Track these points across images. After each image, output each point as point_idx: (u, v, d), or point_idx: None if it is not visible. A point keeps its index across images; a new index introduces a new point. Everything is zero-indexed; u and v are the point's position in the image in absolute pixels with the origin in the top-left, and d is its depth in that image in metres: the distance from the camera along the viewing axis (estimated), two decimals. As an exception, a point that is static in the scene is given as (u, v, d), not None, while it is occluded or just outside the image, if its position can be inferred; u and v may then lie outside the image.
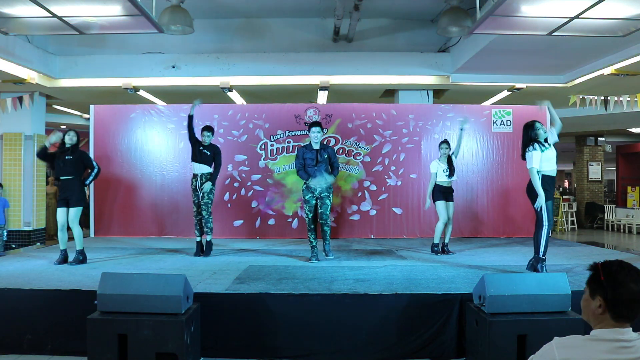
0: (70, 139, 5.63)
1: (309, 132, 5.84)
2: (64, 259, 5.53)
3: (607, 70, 7.25)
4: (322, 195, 5.75)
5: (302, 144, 6.07)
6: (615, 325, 1.54)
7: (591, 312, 1.60)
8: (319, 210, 5.80)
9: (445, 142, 6.36)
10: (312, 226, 5.88)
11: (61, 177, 5.60)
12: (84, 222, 6.23)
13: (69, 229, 5.61)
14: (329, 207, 5.81)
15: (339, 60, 8.10)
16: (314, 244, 5.83)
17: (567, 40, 6.05)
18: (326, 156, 5.81)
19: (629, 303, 1.53)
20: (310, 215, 5.84)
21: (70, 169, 5.56)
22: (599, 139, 15.00)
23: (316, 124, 5.86)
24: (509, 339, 3.38)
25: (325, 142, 6.23)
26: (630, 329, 1.55)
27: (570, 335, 1.59)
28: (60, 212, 5.56)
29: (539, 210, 4.77)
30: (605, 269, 1.57)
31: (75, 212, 5.54)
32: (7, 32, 5.43)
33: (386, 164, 8.22)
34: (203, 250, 6.19)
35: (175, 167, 8.19)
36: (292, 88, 8.69)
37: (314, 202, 5.79)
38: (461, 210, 8.11)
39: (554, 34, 5.30)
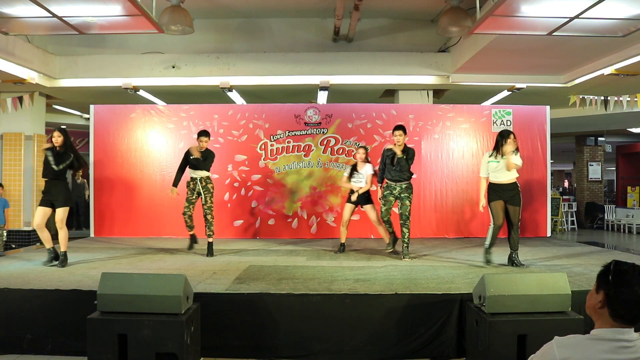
0: (55, 139, 5.45)
1: (393, 134, 5.91)
2: (53, 257, 5.52)
3: (607, 70, 7.25)
4: (401, 195, 5.87)
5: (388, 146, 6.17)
6: (614, 325, 1.54)
7: (592, 306, 1.61)
8: (399, 211, 5.88)
9: (362, 147, 6.50)
10: (386, 219, 6.03)
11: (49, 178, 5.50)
12: (84, 223, 6.24)
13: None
14: (409, 207, 5.87)
15: (339, 60, 8.10)
16: (391, 230, 6.14)
17: (567, 40, 6.05)
18: (405, 158, 5.78)
19: (628, 304, 1.53)
20: (383, 209, 5.97)
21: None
22: (599, 139, 15.00)
23: (399, 127, 5.86)
24: (509, 339, 3.38)
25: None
26: (632, 329, 1.55)
27: (570, 335, 1.60)
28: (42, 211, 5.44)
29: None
30: (616, 266, 1.58)
31: (63, 212, 5.44)
32: (7, 32, 5.44)
33: (386, 164, 8.21)
34: (196, 241, 6.39)
35: (175, 167, 8.14)
36: (292, 88, 8.69)
37: (392, 199, 5.90)
38: (461, 210, 8.11)
39: (554, 34, 5.31)
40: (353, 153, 6.66)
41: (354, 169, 6.37)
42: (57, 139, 5.41)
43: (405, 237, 5.90)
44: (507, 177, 5.36)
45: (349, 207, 6.34)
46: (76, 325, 3.77)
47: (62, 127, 5.71)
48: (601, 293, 1.57)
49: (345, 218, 6.38)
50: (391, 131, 6.01)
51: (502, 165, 5.36)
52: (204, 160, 6.17)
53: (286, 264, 5.56)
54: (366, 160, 6.34)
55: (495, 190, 5.41)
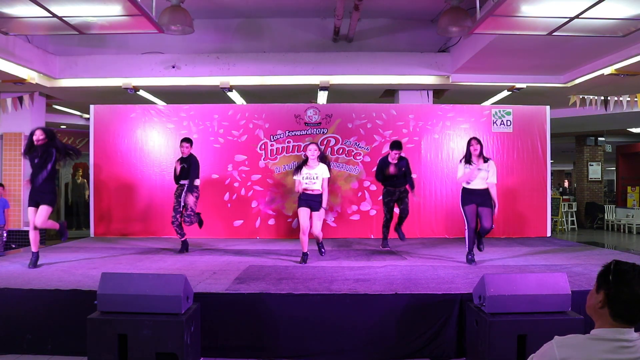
0: (36, 137, 5.30)
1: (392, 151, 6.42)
2: (37, 261, 5.37)
3: (607, 70, 7.25)
4: (401, 197, 6.55)
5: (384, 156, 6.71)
6: (615, 325, 1.54)
7: (592, 306, 1.61)
8: (401, 207, 6.57)
9: (313, 143, 5.89)
10: (388, 223, 6.71)
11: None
12: (84, 223, 6.22)
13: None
14: (408, 204, 6.64)
15: (339, 60, 8.09)
16: (386, 236, 6.80)
17: (567, 40, 6.05)
18: (403, 169, 6.44)
19: (628, 304, 1.52)
20: (388, 216, 6.62)
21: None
22: (599, 139, 15.00)
23: (398, 145, 6.40)
24: (509, 339, 3.39)
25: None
26: (632, 329, 1.55)
27: (570, 334, 1.60)
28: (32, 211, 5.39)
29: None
30: (616, 266, 1.58)
31: (46, 211, 5.37)
32: (7, 32, 5.44)
33: (386, 164, 8.21)
34: (187, 248, 6.51)
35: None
36: (292, 88, 8.69)
37: (392, 205, 6.57)
38: (460, 211, 8.09)
39: (554, 34, 5.31)
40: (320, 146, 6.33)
41: (303, 166, 5.69)
42: (39, 137, 5.28)
43: (402, 224, 6.75)
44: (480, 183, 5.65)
45: (304, 211, 5.63)
46: (76, 325, 3.77)
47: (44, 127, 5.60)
48: (601, 293, 1.57)
49: (305, 225, 5.63)
50: (390, 140, 6.68)
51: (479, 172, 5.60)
52: (188, 167, 6.32)
53: (286, 264, 5.56)
54: (319, 160, 5.70)
55: (473, 195, 5.64)
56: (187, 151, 6.37)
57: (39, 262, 5.37)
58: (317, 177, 5.62)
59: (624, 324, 1.54)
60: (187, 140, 6.48)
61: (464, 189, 5.68)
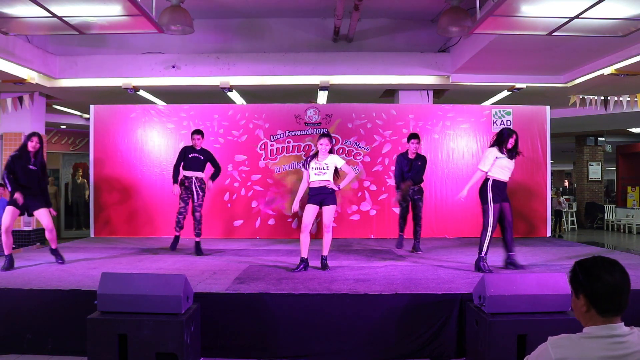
0: (34, 145, 5.30)
1: (408, 142, 6.31)
2: (10, 264, 5.22)
3: (607, 70, 7.25)
4: (415, 197, 6.34)
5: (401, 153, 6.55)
6: (605, 321, 1.55)
7: (579, 312, 1.61)
8: (414, 212, 6.38)
9: (325, 137, 5.31)
10: (403, 220, 6.57)
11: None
12: (84, 223, 6.25)
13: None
14: (421, 208, 6.45)
15: (339, 60, 8.10)
16: (401, 232, 6.62)
17: (567, 40, 6.05)
18: (419, 164, 6.29)
19: (608, 295, 1.54)
20: (405, 214, 6.50)
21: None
22: (599, 139, 15.01)
23: (414, 135, 6.32)
24: (509, 339, 3.39)
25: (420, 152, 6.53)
26: (622, 323, 1.56)
27: (563, 334, 1.60)
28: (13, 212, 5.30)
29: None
30: (581, 266, 1.61)
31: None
32: (7, 32, 5.44)
33: (386, 164, 8.22)
34: (176, 246, 6.46)
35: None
36: (292, 88, 8.69)
37: (405, 204, 6.39)
38: (460, 211, 8.10)
39: (554, 34, 5.31)
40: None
41: (312, 159, 5.27)
42: (37, 143, 5.32)
43: (419, 234, 6.50)
44: (508, 176, 5.12)
45: (311, 208, 5.17)
46: (76, 325, 3.77)
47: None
48: (581, 297, 1.58)
49: (306, 222, 5.16)
50: (406, 139, 6.39)
51: (511, 164, 5.06)
52: (206, 159, 6.40)
53: (286, 264, 5.56)
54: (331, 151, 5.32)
55: (501, 189, 5.00)
56: (200, 143, 6.36)
57: (15, 265, 5.29)
58: (327, 168, 5.17)
59: (614, 317, 1.55)
60: (199, 132, 6.41)
61: (497, 182, 4.94)
